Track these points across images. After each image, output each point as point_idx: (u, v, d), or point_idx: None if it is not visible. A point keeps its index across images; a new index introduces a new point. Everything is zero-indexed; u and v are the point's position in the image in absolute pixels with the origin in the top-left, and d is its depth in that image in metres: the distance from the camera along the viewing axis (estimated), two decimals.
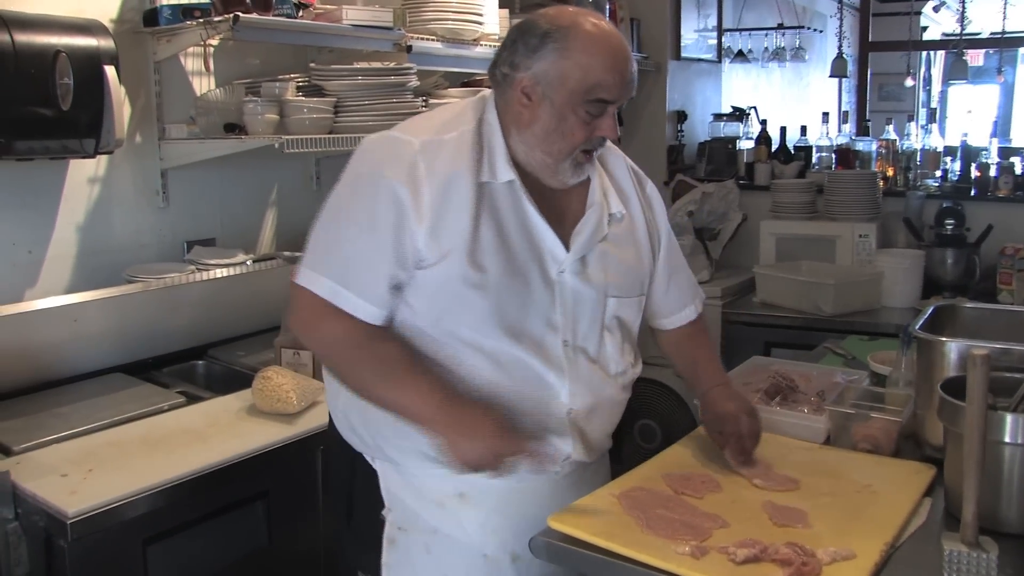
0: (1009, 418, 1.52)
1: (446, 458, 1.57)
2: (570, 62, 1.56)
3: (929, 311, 2.06)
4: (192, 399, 2.46)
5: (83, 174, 2.64)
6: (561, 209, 1.69)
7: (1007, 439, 1.52)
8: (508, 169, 1.61)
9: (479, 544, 1.69)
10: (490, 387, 1.62)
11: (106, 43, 2.40)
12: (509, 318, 1.61)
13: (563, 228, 1.67)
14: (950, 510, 1.63)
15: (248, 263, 2.88)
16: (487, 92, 1.72)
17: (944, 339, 1.83)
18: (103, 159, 2.64)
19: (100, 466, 1.99)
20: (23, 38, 2.24)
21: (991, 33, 8.31)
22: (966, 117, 9.36)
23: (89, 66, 2.35)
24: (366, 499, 1.78)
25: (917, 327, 1.93)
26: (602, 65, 1.56)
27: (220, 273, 2.79)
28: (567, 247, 1.65)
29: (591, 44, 1.57)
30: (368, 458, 1.78)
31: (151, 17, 2.66)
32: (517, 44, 1.61)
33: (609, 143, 1.76)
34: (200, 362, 2.83)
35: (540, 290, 1.64)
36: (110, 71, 2.39)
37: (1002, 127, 7.71)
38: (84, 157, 2.49)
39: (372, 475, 1.78)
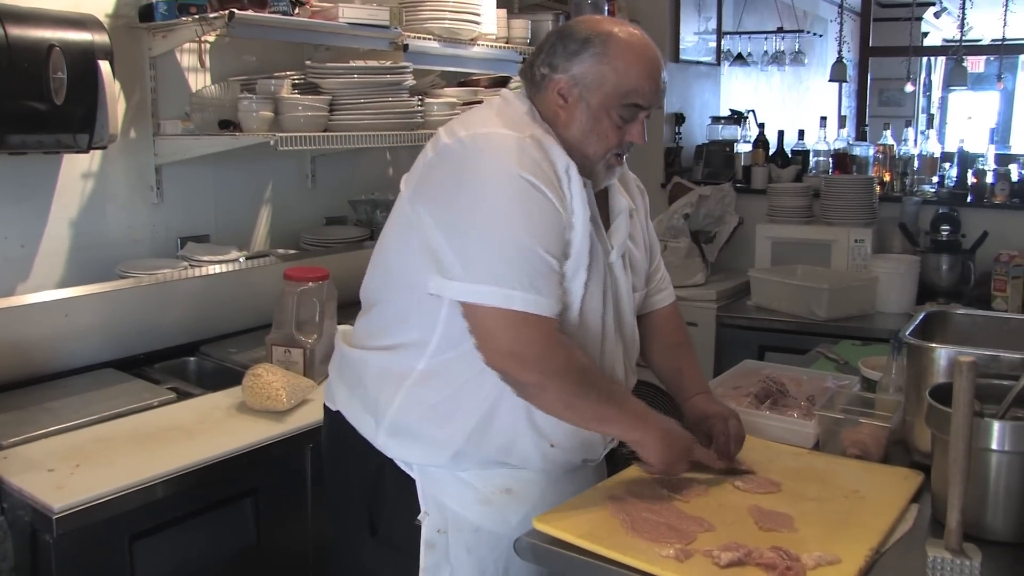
0: (996, 425, 1.52)
1: (647, 462, 1.68)
2: (608, 67, 1.64)
3: (920, 317, 2.05)
4: (183, 395, 2.46)
5: (76, 169, 2.63)
6: (599, 208, 1.76)
7: (994, 446, 1.52)
8: (573, 166, 1.65)
9: None
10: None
11: (100, 38, 2.40)
12: (590, 313, 1.69)
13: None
14: (937, 516, 1.62)
15: (242, 260, 2.88)
16: (506, 93, 1.76)
17: (934, 345, 1.83)
18: (97, 154, 2.63)
19: (87, 461, 1.98)
20: (17, 32, 2.23)
21: (992, 40, 8.32)
22: (966, 123, 9.36)
23: (83, 60, 2.35)
24: (395, 507, 1.74)
25: (907, 333, 1.92)
26: (638, 72, 1.64)
27: (213, 270, 2.79)
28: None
29: (629, 51, 1.65)
30: (402, 465, 1.73)
31: (147, 12, 2.66)
32: (556, 47, 1.68)
33: None
34: (192, 358, 2.82)
35: (597, 281, 1.70)
36: (104, 66, 2.38)
37: (1002, 134, 7.72)
38: (77, 152, 2.48)
39: (405, 483, 1.73)
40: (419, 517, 1.71)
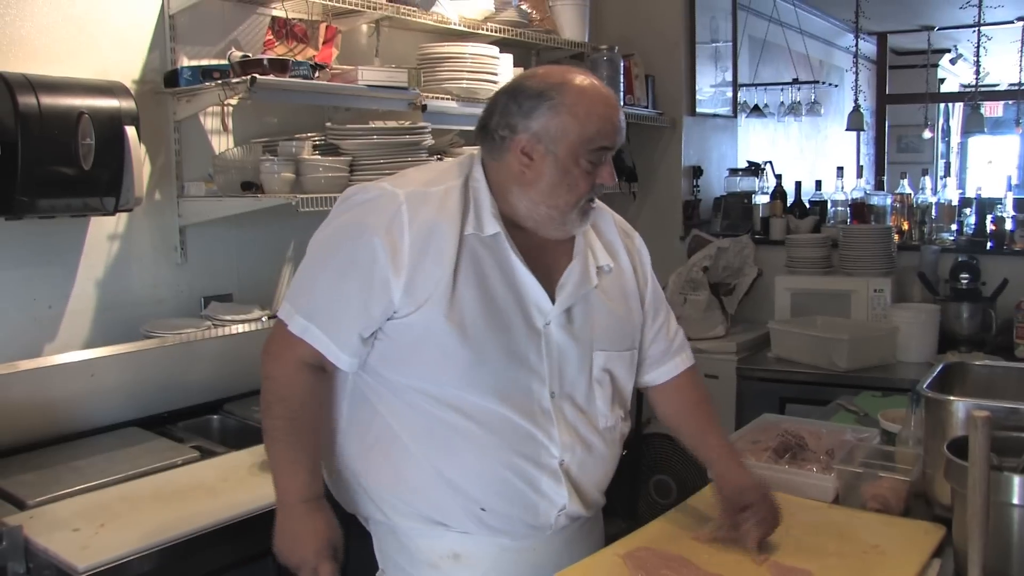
0: (1017, 480, 1.51)
1: (275, 543, 1.69)
2: (568, 116, 1.61)
3: (938, 369, 2.06)
4: (206, 454, 2.47)
5: (103, 231, 2.69)
6: (548, 263, 1.71)
7: (1015, 500, 1.51)
8: (494, 222, 1.64)
9: None
10: (479, 448, 1.62)
11: (127, 104, 2.46)
12: (491, 371, 1.62)
13: (550, 281, 1.69)
14: (959, 572, 1.61)
15: (264, 319, 2.90)
16: (473, 151, 1.76)
17: (952, 398, 1.83)
18: (123, 216, 2.69)
19: (112, 521, 2.00)
20: (48, 100, 2.30)
21: (1008, 85, 8.35)
22: (986, 168, 9.35)
23: (110, 126, 2.41)
24: (359, 560, 1.79)
25: (925, 385, 1.92)
26: (599, 114, 1.62)
27: (237, 329, 2.82)
28: (553, 300, 1.67)
29: (584, 97, 1.62)
30: (362, 519, 1.80)
31: (172, 78, 2.73)
32: (510, 106, 1.65)
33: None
34: (215, 416, 2.84)
35: (525, 341, 1.65)
36: (130, 131, 2.44)
37: (1021, 178, 7.70)
38: (104, 214, 2.54)
39: (365, 537, 1.79)
40: (376, 575, 1.78)
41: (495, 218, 1.65)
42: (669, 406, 1.95)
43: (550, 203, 1.65)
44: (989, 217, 4.10)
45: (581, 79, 1.64)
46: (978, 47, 6.31)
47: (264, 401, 1.71)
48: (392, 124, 3.03)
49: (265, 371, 1.70)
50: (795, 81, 6.23)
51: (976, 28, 6.26)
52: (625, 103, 4.17)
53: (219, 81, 2.65)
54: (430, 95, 3.18)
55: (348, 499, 1.78)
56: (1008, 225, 4.01)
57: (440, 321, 1.59)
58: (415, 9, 3.17)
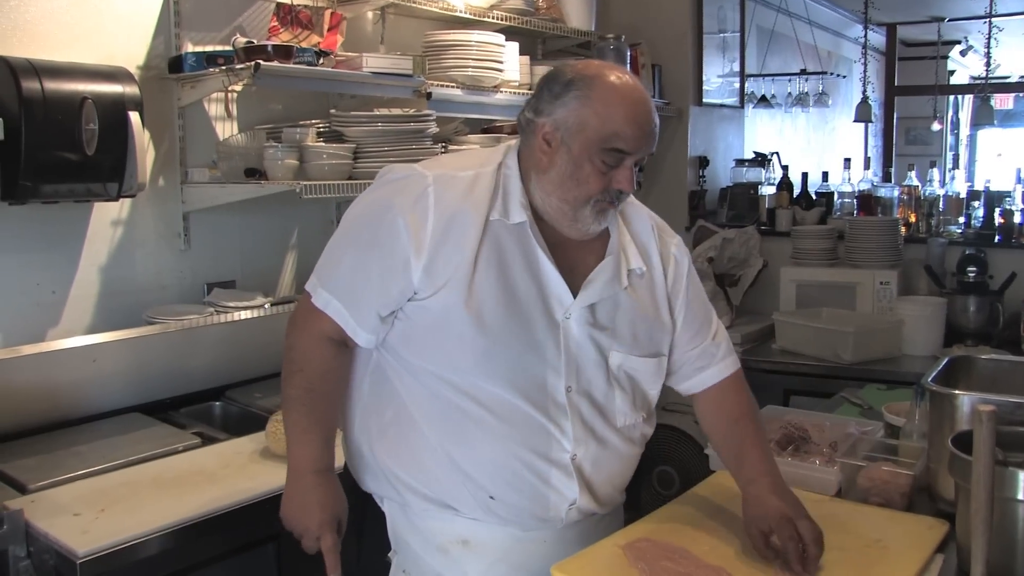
0: (1022, 475, 1.50)
1: (282, 509, 1.73)
2: (589, 111, 1.58)
3: (944, 362, 2.04)
4: (208, 440, 2.48)
5: (106, 216, 2.68)
6: (576, 260, 1.69)
7: (1020, 496, 1.49)
8: (521, 211, 1.63)
9: None
10: (490, 436, 1.62)
11: (131, 90, 2.46)
12: (506, 359, 1.61)
13: (576, 277, 1.67)
14: (962, 568, 1.60)
15: (267, 306, 2.90)
16: (512, 141, 1.75)
17: (956, 392, 1.82)
18: (126, 202, 2.68)
19: (112, 506, 2.01)
20: (52, 85, 2.29)
21: (1020, 77, 8.30)
22: (995, 160, 9.31)
23: (114, 112, 2.40)
24: (374, 540, 1.79)
25: (930, 379, 1.91)
26: (621, 116, 1.58)
27: (239, 315, 2.82)
28: (575, 295, 1.66)
29: (612, 94, 1.59)
30: (377, 498, 1.79)
31: (176, 64, 2.72)
32: (543, 91, 1.65)
33: (633, 199, 1.79)
34: (217, 403, 2.85)
35: (543, 332, 1.63)
36: (134, 117, 2.44)
37: None
38: (107, 200, 2.53)
39: (381, 516, 1.79)
40: (389, 555, 1.78)
41: (523, 207, 1.64)
42: (707, 422, 1.89)
43: (560, 195, 1.63)
44: (997, 210, 4.07)
45: (617, 77, 1.61)
46: (989, 38, 6.26)
47: (285, 370, 1.72)
48: (397, 111, 3.02)
49: (288, 341, 1.73)
50: (803, 72, 6.20)
51: (987, 19, 6.21)
52: None
53: (223, 67, 2.64)
54: (435, 83, 3.16)
55: (365, 477, 1.78)
56: (1017, 218, 3.99)
57: (458, 306, 1.58)
58: None
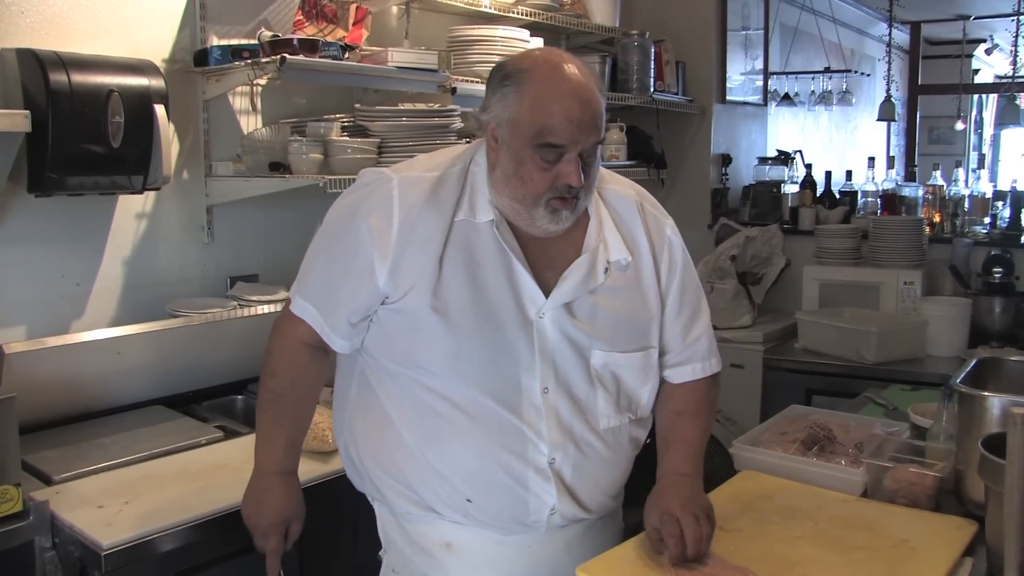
0: None
1: (242, 504, 1.80)
2: (521, 105, 1.52)
3: (972, 363, 2.02)
4: (230, 434, 2.48)
5: (131, 209, 2.69)
6: (552, 255, 1.64)
7: None
8: (489, 209, 1.60)
9: None
10: (465, 438, 1.60)
11: (157, 83, 2.46)
12: (477, 361, 1.58)
13: (554, 273, 1.62)
14: (992, 572, 1.58)
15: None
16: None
17: (986, 394, 1.80)
18: (151, 195, 2.69)
19: (136, 499, 2.01)
20: (79, 78, 2.30)
21: None
22: (1020, 160, 9.22)
23: (140, 105, 2.41)
24: (368, 538, 1.81)
25: (959, 380, 1.89)
26: (551, 109, 1.50)
27: (262, 309, 2.82)
28: (548, 293, 1.61)
29: (543, 87, 1.52)
30: (368, 498, 1.80)
31: (201, 57, 2.72)
32: (487, 87, 1.61)
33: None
34: (239, 397, 2.85)
35: (515, 333, 1.59)
36: (159, 110, 2.44)
37: None
38: (132, 193, 2.54)
39: (372, 517, 1.81)
40: (380, 553, 1.80)
41: (491, 205, 1.60)
42: (657, 407, 1.80)
43: (509, 195, 1.58)
44: (1023, 210, 4.03)
45: (553, 67, 1.53)
46: (1016, 36, 6.20)
47: (261, 373, 1.78)
48: (421, 106, 3.02)
49: (268, 345, 1.78)
50: (826, 70, 6.16)
51: (1016, 17, 6.14)
52: (655, 89, 4.13)
53: (248, 61, 2.64)
54: (460, 78, 3.16)
55: (354, 478, 1.81)
56: None
57: (425, 309, 1.56)
58: None
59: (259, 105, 2.94)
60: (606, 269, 1.66)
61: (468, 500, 1.62)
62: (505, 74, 1.56)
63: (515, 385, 1.59)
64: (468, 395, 1.59)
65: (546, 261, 1.63)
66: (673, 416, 1.78)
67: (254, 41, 2.69)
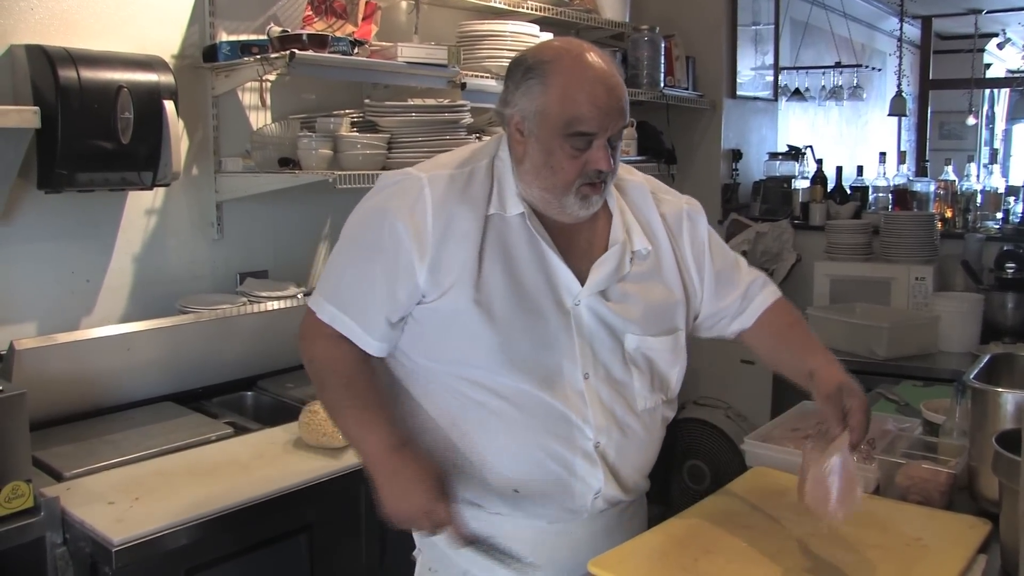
0: None
1: (381, 509, 1.57)
2: (548, 97, 1.54)
3: (985, 359, 2.01)
4: (240, 430, 2.48)
5: (141, 205, 2.70)
6: (584, 244, 1.68)
7: None
8: (518, 202, 1.62)
9: None
10: (512, 428, 1.61)
11: (166, 78, 2.46)
12: (521, 352, 1.59)
13: (586, 261, 1.65)
14: (1007, 569, 1.57)
15: (299, 296, 2.90)
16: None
17: (1000, 390, 1.78)
18: (160, 191, 2.69)
19: (147, 495, 2.02)
20: (88, 74, 2.30)
21: None
22: None
23: (149, 100, 2.41)
24: (398, 539, 1.78)
25: (972, 376, 1.88)
26: (580, 98, 1.53)
27: (272, 305, 2.82)
28: (583, 281, 1.63)
29: (568, 77, 1.54)
30: None
31: (210, 53, 2.72)
32: (508, 81, 1.62)
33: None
34: (249, 393, 2.86)
35: (556, 322, 1.62)
36: (169, 106, 2.44)
37: None
38: (142, 189, 2.54)
39: None
40: (414, 553, 1.77)
41: (519, 198, 1.62)
42: (761, 342, 1.89)
43: (540, 185, 1.60)
44: None
45: (575, 57, 1.56)
46: None
47: (316, 383, 1.70)
48: (431, 102, 3.01)
49: (306, 357, 1.71)
50: (837, 65, 6.12)
51: None
52: (665, 84, 4.11)
53: (258, 56, 2.64)
54: (469, 73, 3.15)
55: None
56: None
57: (467, 303, 1.57)
58: None
59: (268, 101, 2.94)
60: (631, 259, 1.70)
61: (515, 490, 1.64)
62: (527, 67, 1.57)
63: (558, 372, 1.61)
64: (513, 385, 1.59)
65: (575, 251, 1.66)
66: (786, 329, 1.87)
67: (263, 37, 2.69)
